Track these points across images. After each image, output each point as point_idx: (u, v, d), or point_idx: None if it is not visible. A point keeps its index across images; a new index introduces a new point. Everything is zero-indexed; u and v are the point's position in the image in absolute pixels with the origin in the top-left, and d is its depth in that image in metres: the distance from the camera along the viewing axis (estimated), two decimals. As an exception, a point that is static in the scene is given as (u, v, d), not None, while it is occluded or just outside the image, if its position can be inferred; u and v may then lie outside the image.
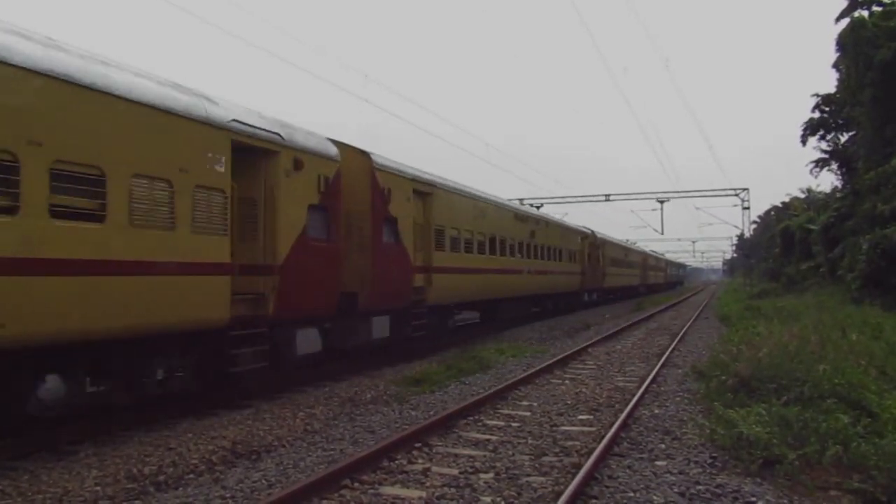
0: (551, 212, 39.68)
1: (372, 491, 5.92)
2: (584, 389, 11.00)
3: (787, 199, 61.54)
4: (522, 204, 34.27)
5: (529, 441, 7.72)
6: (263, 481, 6.18)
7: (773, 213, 71.26)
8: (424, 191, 15.76)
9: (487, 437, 7.92)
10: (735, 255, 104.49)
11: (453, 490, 5.92)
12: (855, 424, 7.11)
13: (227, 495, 5.79)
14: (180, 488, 6.14)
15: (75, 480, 6.25)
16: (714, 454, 6.96)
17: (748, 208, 44.38)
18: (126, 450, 7.30)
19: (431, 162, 19.57)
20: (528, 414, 9.18)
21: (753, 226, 69.83)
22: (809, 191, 54.47)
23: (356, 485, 6.05)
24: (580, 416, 9.06)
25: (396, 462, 6.76)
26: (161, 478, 6.38)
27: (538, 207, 39.05)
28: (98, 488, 6.06)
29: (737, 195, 43.82)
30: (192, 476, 6.52)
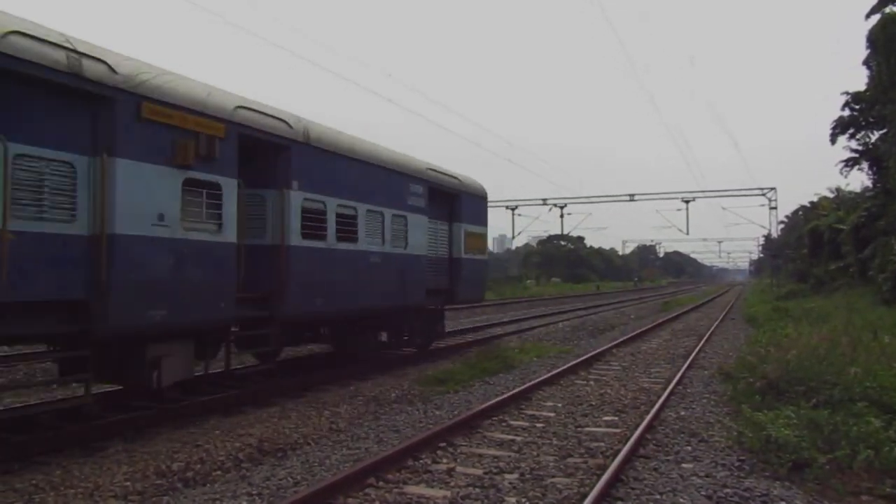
0: (575, 212, 36.92)
1: (397, 490, 5.94)
2: (608, 390, 10.93)
3: (815, 199, 60.51)
4: (546, 204, 30.48)
5: (554, 442, 7.69)
6: (289, 479, 6.23)
7: (800, 212, 70.08)
8: None
9: (512, 437, 7.90)
10: (762, 255, 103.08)
11: (478, 490, 5.92)
12: (887, 428, 6.99)
13: (254, 492, 5.85)
14: (208, 485, 6.22)
15: (106, 475, 6.36)
16: (742, 457, 6.87)
17: (775, 208, 43.84)
18: (155, 446, 7.41)
19: (449, 161, 19.41)
20: (552, 414, 9.15)
21: (781, 226, 68.83)
22: (838, 190, 53.50)
23: (381, 483, 6.08)
24: (605, 417, 9.00)
25: (421, 461, 6.78)
26: (189, 474, 6.48)
27: (562, 208, 37.48)
28: (128, 483, 6.16)
29: (764, 195, 43.22)
30: (219, 473, 6.60)
